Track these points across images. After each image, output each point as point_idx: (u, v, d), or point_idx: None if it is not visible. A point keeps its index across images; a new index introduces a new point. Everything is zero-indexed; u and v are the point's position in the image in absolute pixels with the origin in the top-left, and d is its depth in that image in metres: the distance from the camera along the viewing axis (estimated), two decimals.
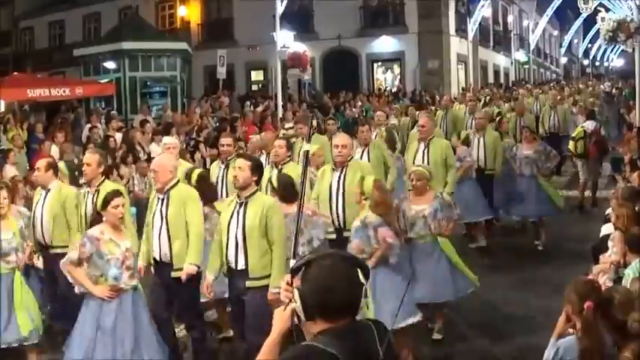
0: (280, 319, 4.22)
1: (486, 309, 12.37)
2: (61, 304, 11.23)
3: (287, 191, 10.44)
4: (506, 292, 13.17)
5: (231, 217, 9.20)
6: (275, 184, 10.74)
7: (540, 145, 16.91)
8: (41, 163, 11.79)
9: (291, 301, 4.16)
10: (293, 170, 11.98)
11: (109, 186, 11.01)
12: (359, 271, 4.10)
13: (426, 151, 14.37)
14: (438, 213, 10.66)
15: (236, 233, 9.13)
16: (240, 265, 9.15)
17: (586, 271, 10.68)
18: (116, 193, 9.39)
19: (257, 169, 9.40)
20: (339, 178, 11.67)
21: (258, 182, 9.47)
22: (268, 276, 9.11)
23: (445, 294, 10.78)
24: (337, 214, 11.54)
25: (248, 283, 9.12)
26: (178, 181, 10.31)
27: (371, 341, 4.05)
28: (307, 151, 5.58)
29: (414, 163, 13.99)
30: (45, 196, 11.53)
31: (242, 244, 9.11)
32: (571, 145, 20.28)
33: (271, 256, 9.16)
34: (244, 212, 9.14)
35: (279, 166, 12.46)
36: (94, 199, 10.96)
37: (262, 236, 9.11)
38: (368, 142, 14.60)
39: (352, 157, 12.26)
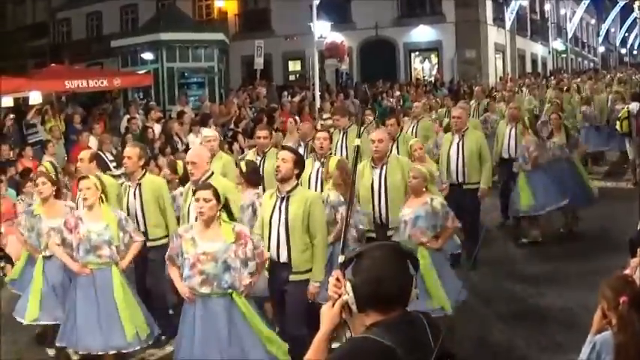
0: (329, 316, 4.18)
1: (520, 300, 12.26)
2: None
3: (252, 176, 11.01)
4: (540, 285, 12.93)
5: (273, 211, 9.16)
6: (244, 168, 10.98)
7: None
8: (85, 154, 12.02)
9: (340, 297, 4.13)
10: (332, 163, 11.90)
11: (150, 179, 11.24)
12: (409, 262, 4.11)
13: (460, 143, 14.18)
14: (420, 221, 10.01)
15: (278, 228, 9.10)
16: (283, 259, 9.13)
17: (623, 264, 10.54)
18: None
19: (300, 163, 9.36)
20: (380, 175, 11.44)
21: (299, 176, 9.42)
22: (310, 270, 9.16)
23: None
24: (380, 212, 11.38)
25: (291, 277, 9.12)
26: (213, 172, 10.41)
27: (423, 333, 4.06)
28: (358, 146, 5.49)
29: (448, 155, 14.12)
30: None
31: (285, 239, 9.09)
32: (617, 124, 20.66)
33: (312, 250, 9.16)
34: (287, 207, 9.08)
35: (322, 159, 12.16)
36: (135, 193, 11.09)
37: (305, 231, 9.10)
38: (394, 136, 14.35)
39: (391, 153, 12.21)
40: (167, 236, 10.80)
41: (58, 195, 11.09)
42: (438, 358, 3.99)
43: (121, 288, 9.66)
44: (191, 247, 8.41)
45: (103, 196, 9.80)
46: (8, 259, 13.86)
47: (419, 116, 18.56)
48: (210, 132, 13.73)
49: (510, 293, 12.60)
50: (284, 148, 9.97)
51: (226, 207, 8.69)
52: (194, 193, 8.75)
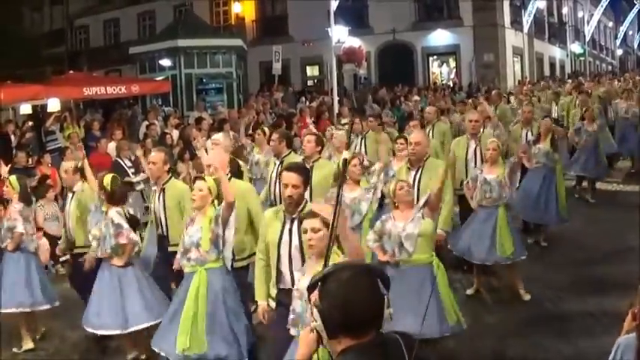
0: (306, 342, 4.05)
1: (541, 306, 12.08)
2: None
3: (116, 193, 10.64)
4: (560, 290, 12.70)
5: (282, 234, 8.14)
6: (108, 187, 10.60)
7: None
8: (68, 166, 12.17)
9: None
10: (324, 167, 11.97)
11: (173, 184, 11.31)
12: (379, 281, 3.91)
13: (478, 148, 13.90)
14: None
15: (290, 251, 8.06)
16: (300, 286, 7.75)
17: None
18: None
19: (308, 181, 8.47)
20: (415, 177, 11.24)
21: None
22: None
23: (432, 330, 9.23)
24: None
25: None
26: (231, 176, 10.34)
27: (399, 354, 3.88)
28: (345, 159, 5.39)
29: (466, 160, 13.85)
30: (71, 197, 11.95)
31: (299, 263, 7.99)
32: None
33: None
34: (299, 228, 7.93)
35: (311, 163, 11.96)
36: (160, 197, 11.21)
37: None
38: None
39: (429, 155, 11.85)
40: None
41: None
42: None
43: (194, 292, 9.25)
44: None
45: (216, 201, 9.46)
46: None
47: (432, 121, 18.47)
48: (218, 136, 13.65)
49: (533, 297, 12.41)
50: (289, 169, 8.46)
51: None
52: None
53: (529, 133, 16.49)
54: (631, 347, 6.03)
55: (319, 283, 3.88)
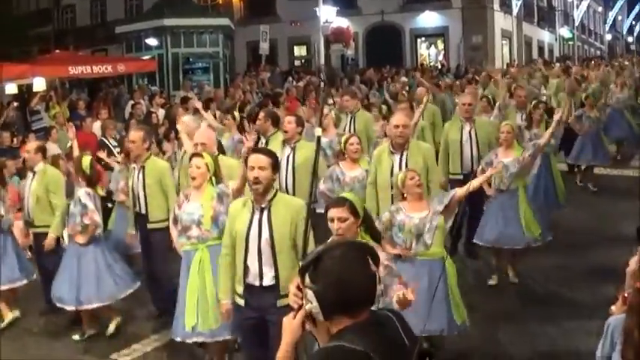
0: (290, 329, 3.94)
1: (528, 290, 12.08)
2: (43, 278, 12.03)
3: (91, 175, 10.86)
4: (549, 274, 12.71)
5: (250, 225, 7.62)
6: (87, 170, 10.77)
7: None
8: (31, 146, 12.24)
9: (301, 307, 3.87)
10: (306, 148, 11.91)
11: (154, 162, 11.38)
12: (369, 258, 3.81)
13: (472, 132, 13.61)
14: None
15: (259, 245, 7.56)
16: (268, 281, 7.60)
17: (632, 252, 10.42)
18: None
19: (277, 165, 7.90)
20: (400, 161, 10.84)
21: (274, 180, 7.86)
22: None
23: (439, 326, 8.99)
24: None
25: (280, 302, 7.48)
26: (219, 154, 10.51)
27: (395, 331, 3.86)
28: (319, 137, 5.23)
29: (461, 143, 13.54)
30: (32, 178, 11.97)
31: (270, 257, 7.57)
32: None
33: None
34: (269, 219, 7.56)
35: (292, 145, 12.05)
36: (139, 175, 11.29)
37: (293, 246, 7.61)
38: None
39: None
40: (168, 219, 10.79)
41: None
42: (417, 358, 3.77)
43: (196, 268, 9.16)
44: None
45: (213, 177, 9.35)
46: None
47: (422, 102, 18.39)
48: (187, 118, 13.63)
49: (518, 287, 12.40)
50: (256, 151, 8.11)
51: (367, 221, 7.21)
52: (326, 209, 7.30)
53: (523, 117, 16.12)
54: (620, 326, 6.10)
55: (312, 264, 3.79)
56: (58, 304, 10.89)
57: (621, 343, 6.08)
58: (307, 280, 3.78)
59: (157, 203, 11.22)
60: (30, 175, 12.02)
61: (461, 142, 13.55)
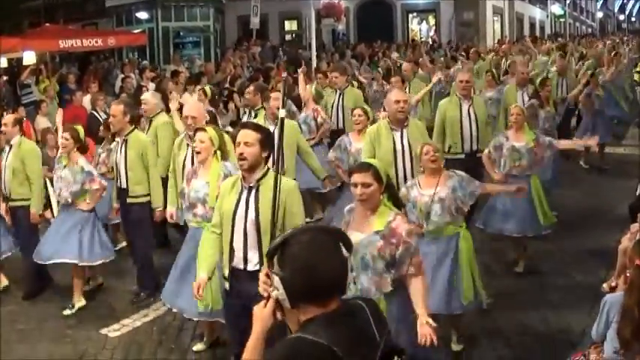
0: (261, 317, 3.80)
1: (523, 275, 11.98)
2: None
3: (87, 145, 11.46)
4: (542, 253, 12.65)
5: (237, 205, 7.23)
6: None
7: None
8: (9, 119, 12.12)
9: (270, 295, 3.75)
10: (290, 126, 11.86)
11: (136, 136, 11.39)
12: (341, 244, 3.68)
13: (471, 109, 13.23)
14: (458, 191, 8.99)
15: (245, 226, 7.18)
16: (252, 266, 7.17)
17: (623, 230, 10.48)
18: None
19: (268, 141, 7.31)
20: (402, 137, 10.61)
21: (267, 160, 7.34)
22: None
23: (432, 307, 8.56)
24: (404, 176, 10.48)
25: None
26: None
27: (365, 322, 3.71)
28: (282, 119, 5.11)
29: (460, 122, 13.19)
30: (8, 151, 11.89)
31: (255, 241, 7.18)
32: (636, 76, 20.60)
33: None
34: (256, 199, 7.16)
35: (254, 112, 12.66)
36: (121, 149, 11.38)
37: (280, 229, 6.75)
38: None
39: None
40: (149, 194, 11.28)
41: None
42: (385, 354, 3.67)
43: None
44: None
45: (219, 152, 9.24)
46: None
47: (410, 77, 18.37)
48: (147, 95, 13.67)
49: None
50: (245, 126, 7.57)
51: (390, 189, 6.97)
52: (350, 173, 7.13)
53: (525, 95, 15.99)
54: (616, 305, 6.12)
55: (279, 249, 3.66)
56: (53, 260, 11.15)
57: (617, 321, 6.11)
58: (275, 265, 3.67)
59: (137, 178, 11.28)
60: (7, 148, 11.96)
61: (460, 120, 13.21)
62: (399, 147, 10.50)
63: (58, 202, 11.65)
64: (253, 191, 7.18)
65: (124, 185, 11.40)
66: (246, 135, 7.14)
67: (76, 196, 11.09)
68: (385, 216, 6.64)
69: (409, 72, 18.76)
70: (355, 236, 6.43)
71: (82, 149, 11.28)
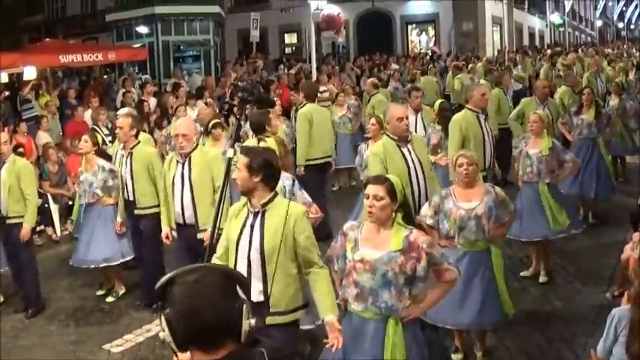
0: None
1: (525, 284, 11.93)
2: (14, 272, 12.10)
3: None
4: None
5: (242, 231, 6.95)
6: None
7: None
8: (3, 137, 11.95)
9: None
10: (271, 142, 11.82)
11: (142, 148, 11.54)
12: (237, 287, 3.35)
13: (487, 124, 12.83)
14: (493, 210, 8.83)
15: (249, 254, 6.89)
16: (255, 297, 6.79)
17: (624, 238, 10.45)
18: None
19: (257, 166, 6.85)
20: (409, 152, 10.23)
21: (265, 183, 6.93)
22: (296, 309, 7.08)
23: (465, 321, 8.82)
24: (419, 191, 10.14)
25: (269, 320, 6.79)
26: (197, 145, 10.48)
27: None
28: (230, 159, 4.99)
29: (483, 140, 12.59)
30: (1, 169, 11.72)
31: (259, 269, 6.87)
32: None
33: (318, 282, 6.94)
34: (261, 224, 6.89)
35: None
36: (127, 161, 11.50)
37: (289, 258, 6.90)
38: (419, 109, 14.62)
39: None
40: (157, 205, 11.20)
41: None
42: None
43: None
44: (351, 251, 6.75)
45: None
46: None
47: (371, 92, 18.86)
48: (123, 111, 13.65)
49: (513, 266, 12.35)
50: (241, 150, 7.18)
51: (405, 208, 6.83)
52: (263, 217, 6.94)
53: (546, 109, 15.30)
54: (624, 319, 6.09)
55: (166, 288, 3.31)
56: (102, 264, 11.99)
57: (625, 335, 6.08)
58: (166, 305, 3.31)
59: (144, 190, 11.34)
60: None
61: (483, 135, 12.57)
62: (410, 163, 10.17)
63: (69, 216, 11.78)
64: (259, 216, 6.91)
65: (130, 198, 11.47)
66: (239, 160, 6.85)
67: (103, 191, 11.87)
68: (401, 234, 6.56)
69: (370, 88, 19.14)
70: (371, 254, 6.50)
71: (100, 153, 12.00)
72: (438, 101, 14.95)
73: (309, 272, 6.96)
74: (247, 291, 3.42)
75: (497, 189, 9.14)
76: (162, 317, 3.24)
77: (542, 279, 11.82)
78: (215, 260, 7.04)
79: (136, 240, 11.92)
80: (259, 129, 11.07)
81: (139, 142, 11.59)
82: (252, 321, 3.30)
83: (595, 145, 14.87)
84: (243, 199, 7.13)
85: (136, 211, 11.41)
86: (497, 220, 8.87)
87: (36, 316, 11.69)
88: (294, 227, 6.77)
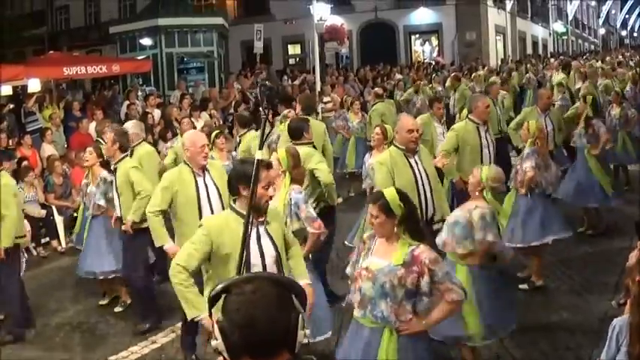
0: None
1: (530, 293, 11.81)
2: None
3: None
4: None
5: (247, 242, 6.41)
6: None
7: None
8: None
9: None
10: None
11: (123, 163, 11.31)
12: (293, 297, 3.27)
13: (488, 135, 12.89)
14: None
15: (264, 263, 6.97)
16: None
17: (629, 246, 10.43)
18: None
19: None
20: (417, 163, 10.17)
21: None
22: None
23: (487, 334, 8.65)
24: (427, 203, 10.10)
25: None
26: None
27: None
28: (259, 161, 5.01)
29: (480, 147, 12.72)
30: None
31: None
32: None
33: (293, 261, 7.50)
34: (268, 234, 7.07)
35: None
36: (114, 176, 11.48)
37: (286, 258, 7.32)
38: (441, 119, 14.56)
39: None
40: (144, 221, 10.49)
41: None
42: None
43: None
44: (363, 257, 6.83)
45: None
46: None
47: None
48: (128, 125, 13.55)
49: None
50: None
51: (408, 222, 6.69)
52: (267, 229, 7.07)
53: (546, 119, 15.41)
54: (625, 328, 6.08)
55: (222, 295, 3.28)
56: (101, 276, 12.20)
57: (626, 344, 6.06)
58: (220, 313, 3.25)
59: (128, 204, 11.07)
60: None
61: (480, 145, 12.72)
62: (417, 174, 10.10)
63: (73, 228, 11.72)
64: (264, 225, 7.03)
65: (118, 213, 11.34)
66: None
67: (107, 203, 11.94)
68: (406, 249, 6.52)
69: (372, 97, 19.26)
70: (376, 263, 6.54)
71: (104, 165, 12.13)
72: None
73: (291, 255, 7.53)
74: (303, 302, 3.34)
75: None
76: (216, 326, 3.19)
77: (537, 284, 11.85)
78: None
79: (125, 257, 11.47)
80: (297, 134, 11.09)
81: (125, 156, 11.40)
82: (308, 331, 3.26)
83: (583, 155, 14.65)
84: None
85: (123, 227, 11.12)
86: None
87: (21, 339, 11.25)
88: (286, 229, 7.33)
